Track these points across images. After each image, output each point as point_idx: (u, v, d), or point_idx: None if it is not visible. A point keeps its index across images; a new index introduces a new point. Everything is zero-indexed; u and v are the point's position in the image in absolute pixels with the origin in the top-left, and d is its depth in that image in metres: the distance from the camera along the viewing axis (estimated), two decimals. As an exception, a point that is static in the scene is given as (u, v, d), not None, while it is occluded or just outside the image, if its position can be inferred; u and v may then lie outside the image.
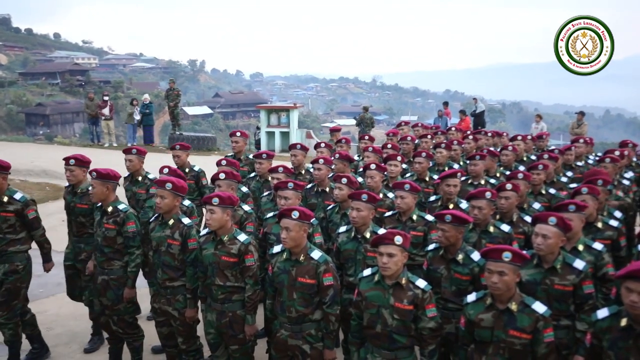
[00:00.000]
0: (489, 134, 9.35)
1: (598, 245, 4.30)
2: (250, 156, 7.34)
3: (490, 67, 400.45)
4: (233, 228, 4.43)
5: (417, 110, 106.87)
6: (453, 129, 9.70)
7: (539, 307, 3.42)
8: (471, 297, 3.66)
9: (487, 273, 3.47)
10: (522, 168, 6.78)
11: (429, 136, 8.54)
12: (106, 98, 18.99)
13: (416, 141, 8.46)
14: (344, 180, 5.25)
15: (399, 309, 3.69)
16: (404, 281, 3.72)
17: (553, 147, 8.23)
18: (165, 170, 5.99)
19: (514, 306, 3.43)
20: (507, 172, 6.56)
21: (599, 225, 4.84)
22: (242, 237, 4.37)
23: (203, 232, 4.61)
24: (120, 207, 5.01)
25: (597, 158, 7.91)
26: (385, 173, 5.99)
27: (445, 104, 19.70)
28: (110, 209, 4.98)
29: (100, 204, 5.05)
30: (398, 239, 3.67)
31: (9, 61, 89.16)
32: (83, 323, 6.04)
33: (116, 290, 4.98)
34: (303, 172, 6.78)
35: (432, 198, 5.66)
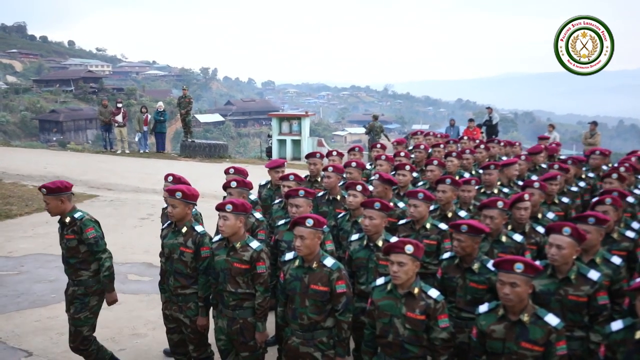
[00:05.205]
0: (502, 143, 9.33)
1: (616, 260, 4.22)
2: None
3: (502, 76, 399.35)
4: (246, 235, 4.44)
5: (429, 119, 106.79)
6: (465, 137, 9.68)
7: (552, 320, 3.38)
8: (483, 308, 3.63)
9: (499, 284, 3.44)
10: (534, 177, 6.73)
11: (442, 145, 8.53)
12: (119, 105, 19.18)
13: (429, 150, 8.45)
14: (359, 187, 5.24)
15: (411, 319, 3.67)
16: (416, 291, 3.69)
17: (565, 157, 8.18)
18: (170, 179, 5.56)
19: (526, 318, 3.39)
20: (520, 182, 6.51)
21: (615, 236, 4.78)
22: (255, 244, 4.38)
23: (215, 238, 4.62)
24: (76, 215, 4.92)
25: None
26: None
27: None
28: (68, 219, 4.90)
29: (59, 217, 4.95)
30: (409, 248, 3.64)
31: (24, 68, 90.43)
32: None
33: (82, 299, 4.90)
34: (319, 179, 6.74)
35: (431, 207, 5.59)
